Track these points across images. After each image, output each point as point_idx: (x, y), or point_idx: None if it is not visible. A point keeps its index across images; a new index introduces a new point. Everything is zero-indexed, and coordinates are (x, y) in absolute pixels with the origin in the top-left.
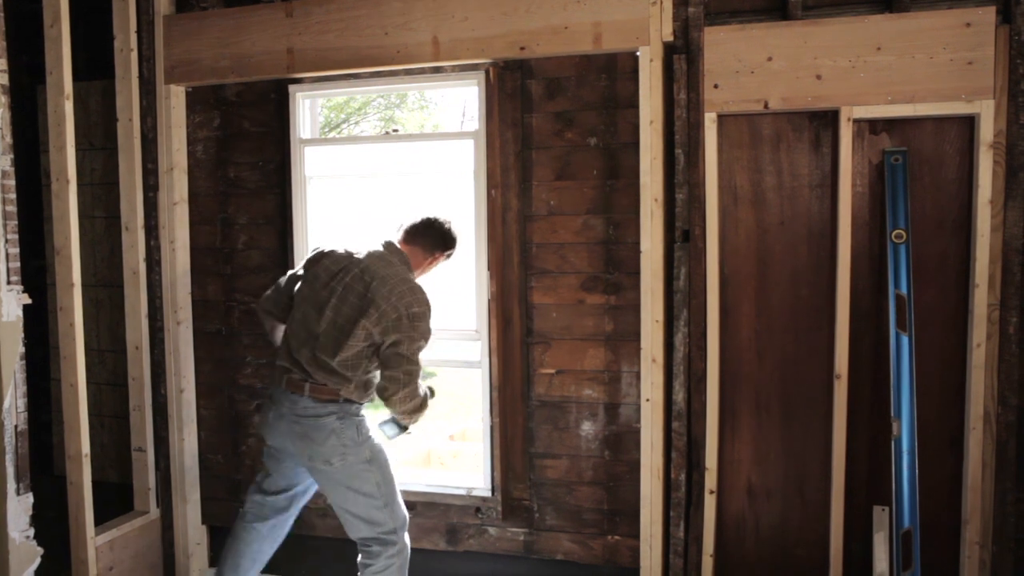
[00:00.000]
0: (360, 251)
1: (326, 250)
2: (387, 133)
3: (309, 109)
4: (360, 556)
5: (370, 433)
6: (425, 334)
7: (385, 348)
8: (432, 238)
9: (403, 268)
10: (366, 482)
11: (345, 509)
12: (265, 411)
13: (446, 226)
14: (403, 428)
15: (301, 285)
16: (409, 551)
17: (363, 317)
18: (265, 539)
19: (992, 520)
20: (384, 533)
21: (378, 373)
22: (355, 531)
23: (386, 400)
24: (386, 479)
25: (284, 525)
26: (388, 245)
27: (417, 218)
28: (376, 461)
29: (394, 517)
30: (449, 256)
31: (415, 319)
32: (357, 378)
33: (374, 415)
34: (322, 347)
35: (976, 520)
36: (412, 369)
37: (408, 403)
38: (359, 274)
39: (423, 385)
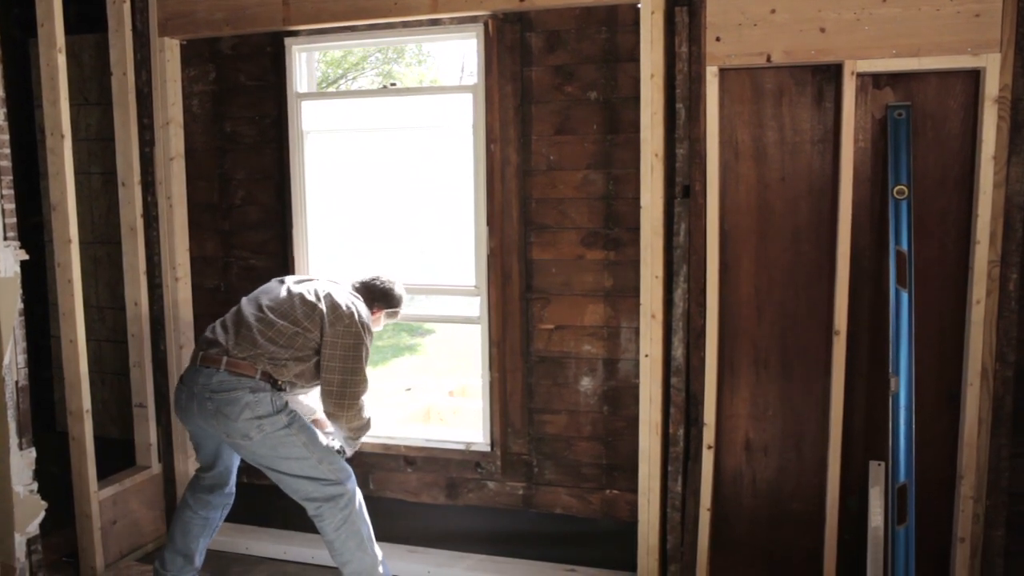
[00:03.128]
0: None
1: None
2: (385, 87)
3: (306, 63)
4: (312, 517)
5: (286, 402)
6: (360, 341)
7: (325, 348)
8: (373, 294)
9: (357, 301)
10: (292, 446)
11: (281, 473)
12: (178, 395)
13: (387, 285)
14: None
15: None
16: (360, 498)
17: (308, 315)
18: (211, 507)
19: (987, 475)
20: (327, 486)
21: (311, 383)
22: (298, 493)
23: (328, 413)
24: (311, 438)
25: (227, 497)
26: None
27: (364, 275)
28: (295, 423)
29: (333, 470)
30: (391, 315)
31: (355, 320)
32: (282, 365)
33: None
34: (256, 329)
35: (971, 475)
36: (347, 380)
37: (347, 416)
38: (312, 287)
39: (364, 408)
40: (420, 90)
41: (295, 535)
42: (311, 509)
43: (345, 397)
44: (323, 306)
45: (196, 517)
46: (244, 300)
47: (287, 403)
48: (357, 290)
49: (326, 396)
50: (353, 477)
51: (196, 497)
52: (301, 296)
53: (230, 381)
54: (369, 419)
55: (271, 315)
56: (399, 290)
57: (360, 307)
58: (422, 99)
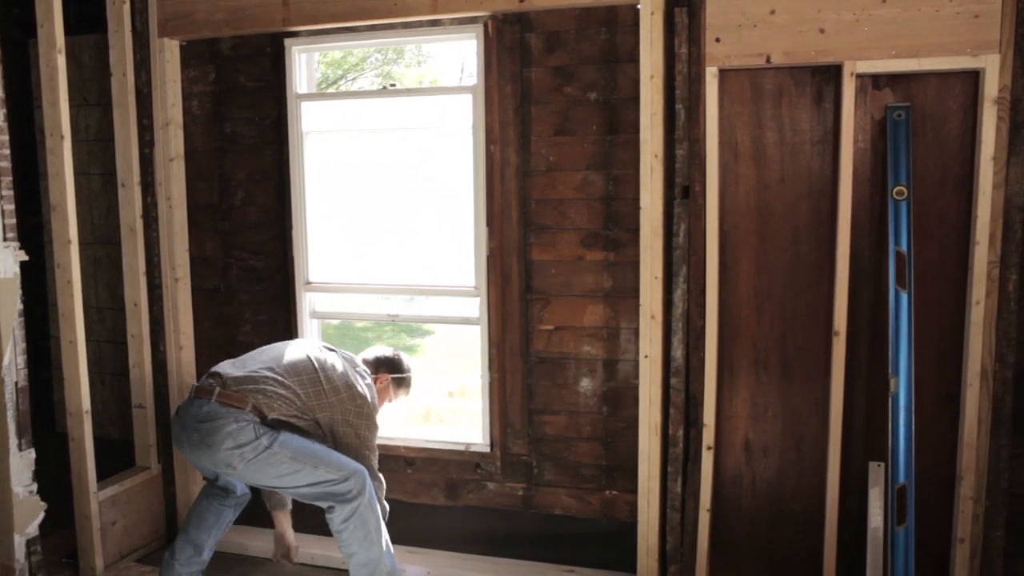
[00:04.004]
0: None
1: None
2: (385, 88)
3: (306, 64)
4: (326, 516)
5: (265, 430)
6: (367, 420)
7: (336, 426)
8: (378, 362)
9: (364, 379)
10: (280, 463)
11: (283, 489)
12: (173, 425)
13: (390, 354)
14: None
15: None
16: (370, 488)
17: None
18: (226, 506)
19: (986, 475)
20: (332, 486)
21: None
22: (305, 498)
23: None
24: (298, 449)
25: (241, 498)
26: (352, 360)
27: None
28: (276, 441)
29: (335, 469)
30: (398, 383)
31: (360, 408)
32: (274, 403)
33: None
34: (266, 366)
35: (971, 476)
36: (360, 450)
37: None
38: (323, 362)
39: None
40: (420, 91)
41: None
42: (323, 506)
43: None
44: (339, 382)
45: (211, 508)
46: (263, 348)
47: (266, 430)
48: (366, 362)
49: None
50: (360, 470)
51: (212, 492)
52: (320, 363)
53: (216, 410)
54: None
55: (286, 369)
56: (404, 359)
57: (372, 393)
58: (422, 100)
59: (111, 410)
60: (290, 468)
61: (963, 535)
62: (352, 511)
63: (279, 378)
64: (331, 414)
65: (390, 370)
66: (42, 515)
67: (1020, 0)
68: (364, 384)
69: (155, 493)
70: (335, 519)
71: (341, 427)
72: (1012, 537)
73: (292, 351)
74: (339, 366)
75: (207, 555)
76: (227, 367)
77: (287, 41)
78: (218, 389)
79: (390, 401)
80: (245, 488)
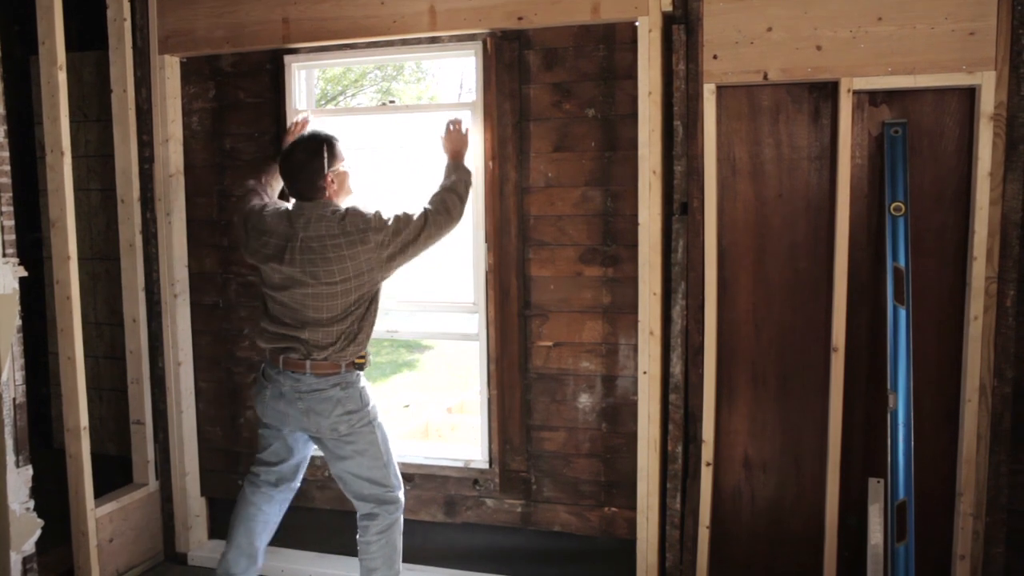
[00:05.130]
0: (289, 219)
1: (259, 216)
2: (384, 104)
3: (305, 80)
4: (360, 518)
5: (370, 397)
6: (385, 223)
7: (400, 260)
8: (302, 174)
9: (327, 210)
10: (371, 444)
11: (349, 472)
12: (260, 390)
13: (318, 140)
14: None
15: (260, 264)
16: (402, 515)
17: (343, 275)
18: (275, 502)
19: (986, 491)
20: (386, 492)
21: (368, 322)
22: (357, 492)
23: (449, 225)
24: (385, 439)
25: (290, 492)
26: (296, 207)
27: (284, 168)
28: (376, 422)
29: (395, 475)
30: (341, 160)
31: (373, 229)
32: (350, 331)
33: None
34: (314, 322)
35: (970, 492)
36: (425, 231)
37: (451, 215)
38: (303, 245)
39: (433, 211)
40: (418, 107)
41: (287, 552)
42: (364, 509)
43: (441, 223)
44: (359, 260)
45: (260, 514)
46: (278, 285)
47: (370, 397)
48: (293, 183)
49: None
50: (403, 487)
51: (259, 493)
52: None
53: (318, 383)
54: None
55: (322, 300)
56: (316, 132)
57: (353, 219)
58: (421, 116)
59: (109, 426)
60: (373, 451)
61: (963, 552)
62: (389, 525)
63: (328, 312)
64: (369, 274)
65: (333, 157)
66: (39, 532)
67: (1015, 18)
68: (341, 214)
69: (153, 510)
70: (371, 528)
71: (401, 254)
72: (1013, 554)
73: (282, 287)
74: (308, 233)
75: (261, 560)
76: (291, 331)
77: (287, 58)
78: (309, 362)
79: (351, 180)
80: (299, 480)
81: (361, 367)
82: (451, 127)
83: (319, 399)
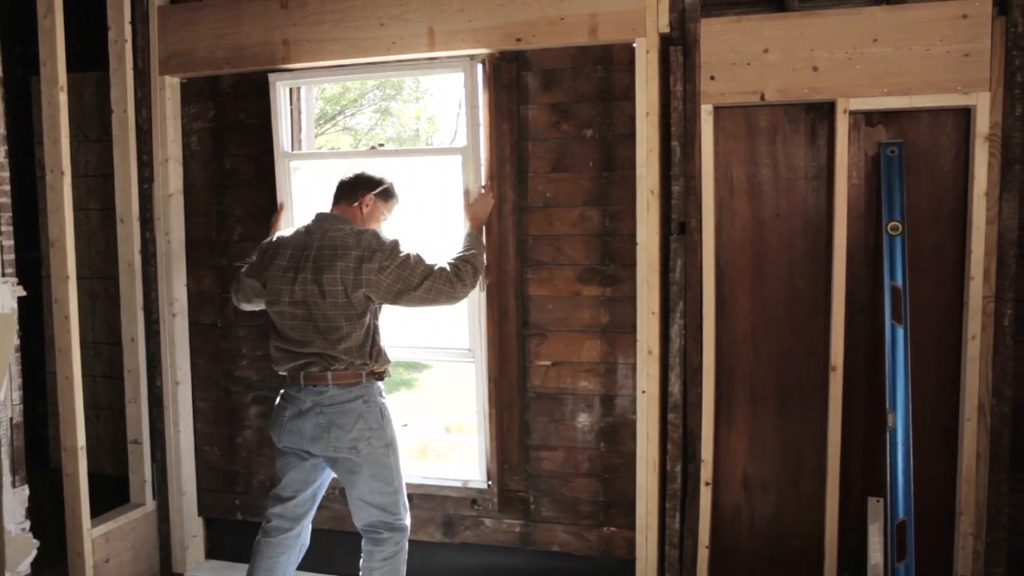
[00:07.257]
0: (307, 232)
1: (275, 241)
2: (372, 148)
3: (305, 99)
4: (366, 543)
5: (391, 418)
6: (396, 252)
7: (393, 297)
8: (350, 188)
9: (346, 226)
10: (384, 467)
11: (361, 498)
12: (278, 414)
13: (357, 172)
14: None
15: (271, 283)
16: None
17: (345, 285)
18: (292, 549)
19: (986, 511)
20: (394, 519)
21: (381, 334)
22: (365, 518)
23: (453, 290)
24: (398, 464)
25: (306, 532)
26: (320, 216)
27: (344, 177)
28: (393, 445)
29: (403, 503)
30: (384, 197)
31: (382, 251)
32: (364, 340)
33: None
34: (327, 331)
35: (970, 511)
36: (428, 282)
37: (463, 282)
38: (317, 254)
39: (446, 269)
40: (407, 151)
41: None
42: (370, 536)
43: (445, 287)
44: (365, 274)
45: (278, 567)
46: (287, 301)
47: (391, 416)
48: (337, 198)
49: (441, 298)
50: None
51: (275, 544)
52: (340, 280)
53: (341, 394)
54: (461, 270)
55: (336, 313)
56: (371, 173)
57: (367, 241)
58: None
59: (106, 445)
60: (387, 476)
61: (964, 572)
62: (394, 552)
63: (345, 327)
64: (367, 291)
65: (368, 189)
66: (34, 553)
67: (1009, 39)
68: (357, 234)
69: (150, 530)
70: (376, 554)
71: (396, 290)
72: (1014, 574)
73: (300, 298)
74: (323, 263)
75: None
76: (308, 348)
77: (271, 76)
78: (330, 373)
79: (384, 220)
80: (308, 535)
81: (381, 377)
82: (481, 189)
83: (341, 412)
